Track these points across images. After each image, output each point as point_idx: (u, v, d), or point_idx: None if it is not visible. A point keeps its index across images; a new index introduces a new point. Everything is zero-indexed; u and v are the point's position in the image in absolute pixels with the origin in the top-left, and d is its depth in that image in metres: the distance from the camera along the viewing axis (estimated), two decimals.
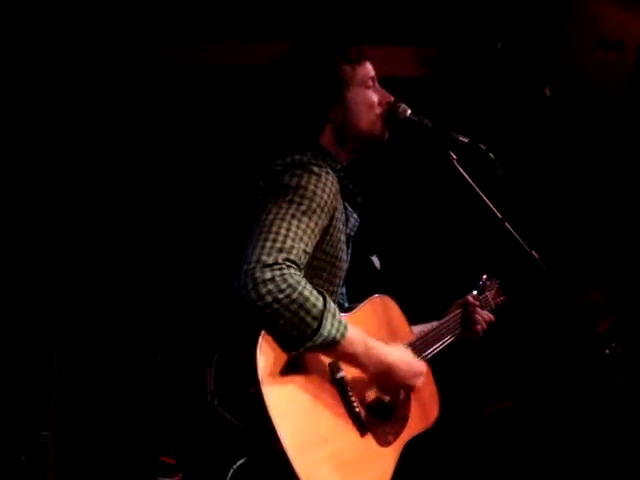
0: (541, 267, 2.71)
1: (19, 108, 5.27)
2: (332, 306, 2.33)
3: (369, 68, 2.76)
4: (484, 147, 2.71)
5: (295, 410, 2.29)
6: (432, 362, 2.88)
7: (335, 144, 2.71)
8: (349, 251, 2.71)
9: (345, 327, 2.34)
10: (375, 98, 2.75)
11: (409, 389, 2.60)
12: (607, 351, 2.72)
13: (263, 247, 2.29)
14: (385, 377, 2.50)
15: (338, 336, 2.31)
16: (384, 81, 2.82)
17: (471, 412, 5.45)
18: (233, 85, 5.32)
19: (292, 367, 2.31)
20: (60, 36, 5.20)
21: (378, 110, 2.74)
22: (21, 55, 5.19)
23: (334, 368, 2.43)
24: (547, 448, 5.19)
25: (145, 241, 5.48)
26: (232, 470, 2.27)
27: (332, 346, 2.32)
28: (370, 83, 2.75)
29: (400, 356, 2.55)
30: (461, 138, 2.74)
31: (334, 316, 2.31)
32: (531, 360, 5.46)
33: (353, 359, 2.41)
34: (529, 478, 5.22)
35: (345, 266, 2.67)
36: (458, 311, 3.05)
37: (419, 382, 2.59)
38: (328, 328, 2.29)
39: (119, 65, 5.39)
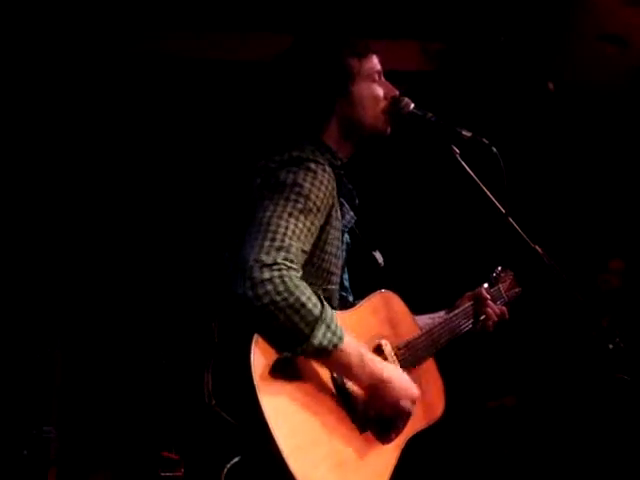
0: (545, 262, 2.70)
1: (18, 106, 5.28)
2: (329, 315, 2.28)
3: (375, 62, 2.73)
4: (487, 141, 2.70)
5: (290, 410, 2.27)
6: (437, 355, 2.84)
7: (338, 138, 2.68)
8: (344, 246, 2.68)
9: (339, 339, 2.29)
10: (380, 92, 2.72)
11: (398, 410, 2.48)
12: (611, 346, 2.71)
13: (262, 246, 2.26)
14: (377, 392, 2.43)
15: (330, 347, 2.27)
16: (388, 75, 2.80)
17: (475, 406, 5.45)
18: (236, 80, 5.31)
19: (288, 366, 2.28)
20: (56, 33, 5.21)
21: (383, 104, 2.71)
22: (21, 53, 5.19)
23: None
24: (549, 443, 5.19)
25: (150, 238, 5.48)
26: (226, 469, 2.25)
27: (323, 355, 2.29)
28: (376, 77, 2.72)
29: (397, 375, 2.48)
30: (464, 132, 2.72)
31: (328, 327, 2.27)
32: (535, 355, 5.46)
33: (346, 370, 2.36)
34: (532, 472, 5.23)
35: (341, 263, 2.65)
36: (469, 304, 3.00)
37: (409, 407, 2.48)
38: (319, 338, 2.25)
39: (119, 61, 5.39)
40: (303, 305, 2.23)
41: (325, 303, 2.30)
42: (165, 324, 5.27)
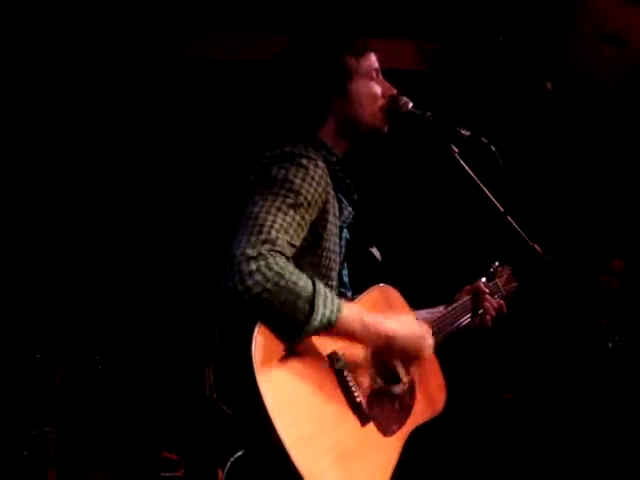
0: (543, 260, 2.70)
1: (18, 107, 5.29)
2: (322, 288, 2.30)
3: (373, 60, 2.74)
4: (485, 140, 2.70)
5: (292, 402, 2.27)
6: (436, 351, 2.84)
7: (334, 135, 2.69)
8: (342, 242, 2.69)
9: (339, 306, 2.32)
10: (378, 90, 2.73)
11: (416, 357, 2.53)
12: (610, 345, 2.71)
13: (248, 240, 2.27)
14: (388, 350, 2.46)
15: (333, 317, 2.29)
16: (384, 74, 2.81)
17: (474, 404, 5.45)
18: (236, 80, 5.32)
19: (289, 359, 2.29)
20: (57, 34, 5.22)
21: (381, 102, 2.72)
22: (22, 54, 5.20)
23: (333, 358, 2.41)
24: (549, 441, 5.20)
25: (149, 237, 5.49)
26: (229, 462, 2.26)
27: (329, 327, 2.30)
28: (374, 75, 2.74)
29: (400, 325, 2.49)
30: (463, 131, 2.72)
31: (326, 297, 2.29)
32: (535, 353, 5.46)
33: (352, 336, 2.38)
34: (532, 470, 5.23)
35: (339, 258, 2.66)
36: (467, 298, 3.00)
37: (426, 346, 2.53)
38: (321, 310, 2.26)
39: (120, 62, 5.40)
40: (295, 284, 2.24)
41: (315, 278, 2.31)
42: (164, 324, 5.27)
